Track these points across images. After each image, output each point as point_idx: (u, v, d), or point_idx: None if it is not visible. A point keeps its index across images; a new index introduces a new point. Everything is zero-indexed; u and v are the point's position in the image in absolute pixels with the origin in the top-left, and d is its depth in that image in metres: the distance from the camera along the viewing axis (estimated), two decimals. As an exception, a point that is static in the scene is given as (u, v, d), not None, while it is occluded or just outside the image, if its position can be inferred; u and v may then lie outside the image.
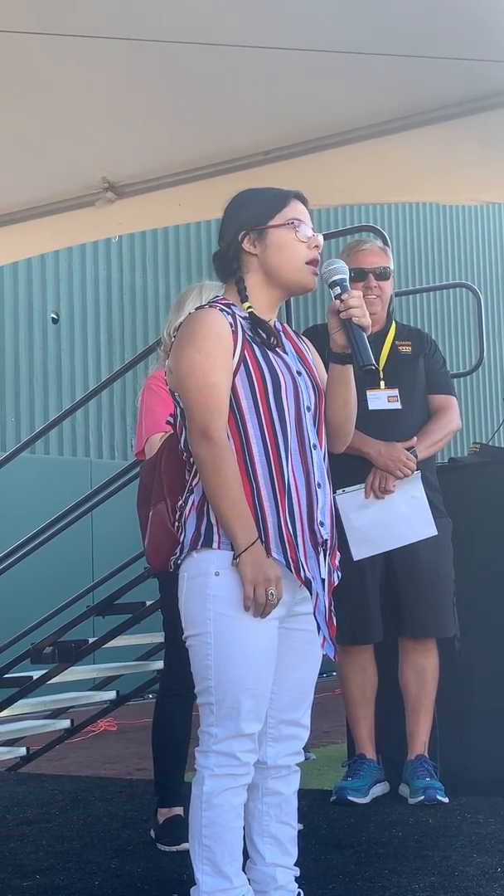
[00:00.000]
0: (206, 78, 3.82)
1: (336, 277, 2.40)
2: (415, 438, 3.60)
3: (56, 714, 5.87)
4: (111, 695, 5.78)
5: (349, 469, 3.36)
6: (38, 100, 4.01)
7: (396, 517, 3.54)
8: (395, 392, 3.63)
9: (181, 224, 10.07)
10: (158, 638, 5.59)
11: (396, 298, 4.65)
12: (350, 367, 2.40)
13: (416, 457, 3.56)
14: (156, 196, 4.54)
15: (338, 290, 2.39)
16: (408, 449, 3.56)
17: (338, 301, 2.38)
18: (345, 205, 11.05)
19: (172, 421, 2.46)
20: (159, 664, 5.74)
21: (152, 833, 3.25)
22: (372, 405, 3.55)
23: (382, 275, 3.68)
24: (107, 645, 5.25)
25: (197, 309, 2.43)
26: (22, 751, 5.50)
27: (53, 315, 10.43)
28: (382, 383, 3.62)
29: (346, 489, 3.48)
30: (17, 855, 3.20)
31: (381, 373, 3.60)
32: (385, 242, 4.22)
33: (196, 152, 4.35)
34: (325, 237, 2.43)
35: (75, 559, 8.77)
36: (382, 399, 3.60)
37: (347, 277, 2.41)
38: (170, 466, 2.52)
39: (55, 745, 5.83)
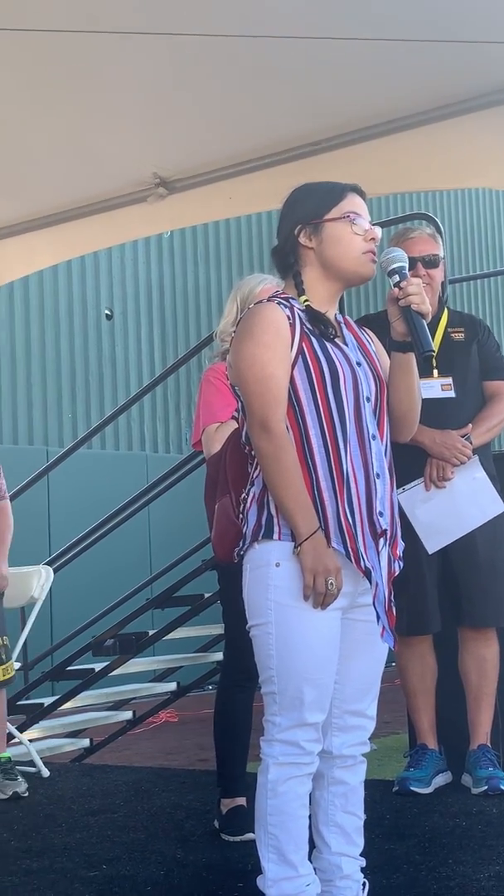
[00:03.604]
0: (254, 70, 3.82)
1: (395, 266, 2.40)
2: (469, 426, 3.57)
3: (118, 705, 5.93)
4: (172, 686, 5.83)
5: (407, 463, 3.35)
6: (88, 98, 4.05)
7: (462, 502, 3.51)
8: (449, 380, 3.60)
9: (232, 217, 10.09)
10: (217, 630, 5.63)
11: (450, 286, 4.62)
12: (412, 355, 2.40)
13: (470, 443, 3.53)
14: (206, 190, 4.56)
15: (396, 277, 2.39)
16: (462, 436, 3.53)
17: (396, 289, 2.38)
18: (396, 193, 10.98)
19: (237, 415, 2.48)
20: (218, 655, 5.77)
21: (216, 823, 3.27)
22: (425, 394, 3.48)
23: (432, 262, 3.65)
24: (166, 637, 5.29)
25: (256, 304, 2.44)
26: (85, 742, 5.57)
27: (107, 312, 10.51)
28: (436, 371, 3.59)
29: (406, 486, 3.46)
30: (84, 845, 3.25)
31: (434, 361, 3.57)
32: (437, 230, 4.19)
33: (246, 145, 4.36)
34: (377, 226, 2.42)
35: (133, 553, 8.85)
36: (436, 388, 3.57)
37: (406, 265, 2.41)
38: (234, 460, 2.54)
39: (118, 736, 5.90)
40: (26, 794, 3.96)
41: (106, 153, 4.44)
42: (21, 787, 3.99)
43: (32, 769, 4.33)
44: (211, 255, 11.61)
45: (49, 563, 5.39)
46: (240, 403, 2.42)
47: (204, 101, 4.07)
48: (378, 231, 2.41)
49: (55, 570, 4.96)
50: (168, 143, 4.40)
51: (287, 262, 2.44)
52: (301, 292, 2.40)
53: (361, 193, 2.44)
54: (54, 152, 4.43)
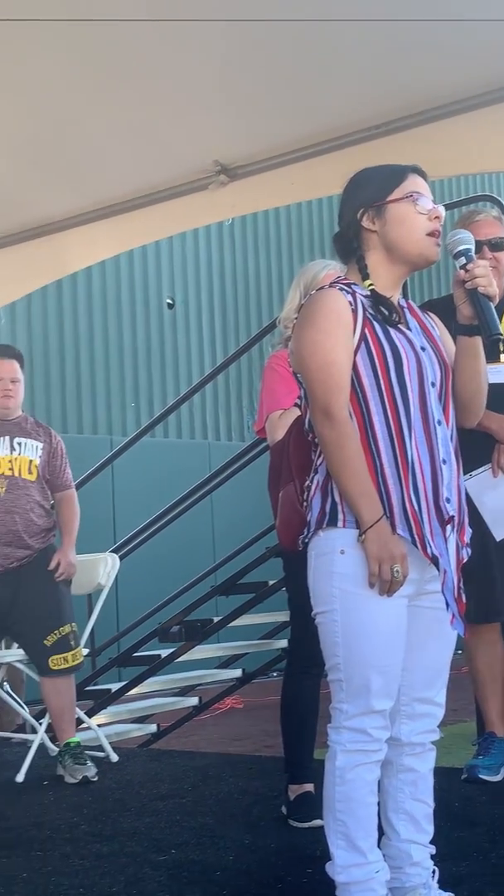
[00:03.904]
0: (315, 55, 3.79)
1: (461, 248, 2.36)
2: (538, 411, 3.51)
3: (184, 692, 5.98)
4: (237, 673, 5.85)
5: (474, 449, 3.31)
6: (149, 87, 4.06)
7: None
8: (517, 365, 3.54)
9: (293, 203, 10.05)
10: (282, 617, 5.64)
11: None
12: (478, 339, 2.37)
13: (539, 429, 3.47)
14: (268, 176, 4.54)
15: (463, 260, 2.35)
16: (531, 421, 3.48)
17: (463, 271, 2.34)
18: (461, 175, 10.84)
19: (300, 402, 2.47)
20: (283, 643, 5.79)
21: (283, 809, 3.28)
22: (492, 378, 3.42)
23: (498, 245, 3.60)
24: (231, 624, 5.32)
25: (317, 290, 2.43)
26: (152, 727, 5.63)
27: (169, 301, 10.56)
28: (503, 356, 3.54)
29: (473, 473, 3.42)
30: (153, 830, 3.28)
31: (502, 345, 3.51)
32: (503, 211, 4.12)
33: (307, 130, 4.34)
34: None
35: (197, 540, 8.89)
36: (503, 372, 3.52)
37: (473, 248, 2.37)
38: (297, 448, 2.53)
39: (184, 722, 5.95)
40: (96, 779, 4.01)
41: (167, 142, 4.45)
42: (90, 771, 4.04)
43: (101, 754, 4.38)
44: (272, 242, 11.59)
45: (114, 551, 5.45)
46: (302, 391, 2.41)
47: (265, 87, 4.05)
48: (442, 210, 2.37)
49: (120, 558, 5.00)
50: (229, 130, 4.39)
51: (350, 246, 2.42)
52: (365, 277, 2.38)
53: (423, 174, 2.41)
54: (116, 142, 4.45)
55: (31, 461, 4.27)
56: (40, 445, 4.31)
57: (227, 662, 6.16)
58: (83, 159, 4.59)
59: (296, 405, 2.83)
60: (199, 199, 4.74)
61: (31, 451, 4.28)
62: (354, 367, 2.29)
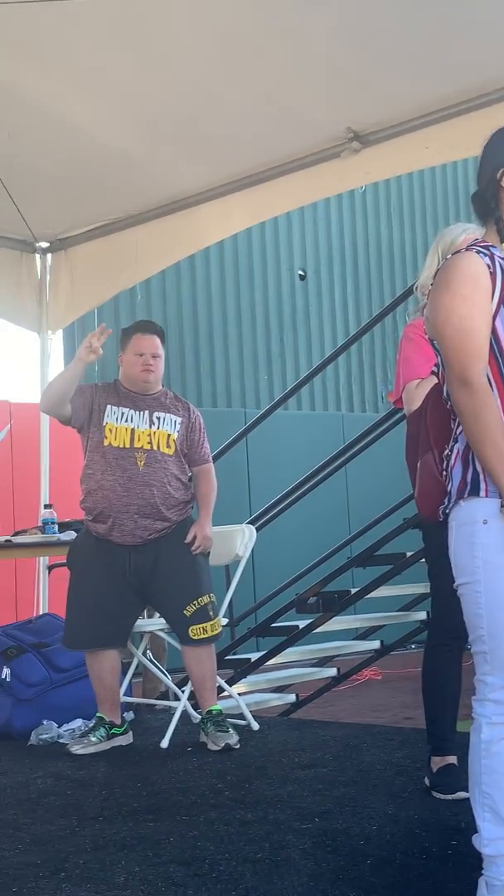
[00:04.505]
0: (448, 15, 3.70)
1: None
2: None
3: (322, 662, 6.00)
4: (375, 644, 5.84)
5: None
6: (281, 57, 4.04)
7: None
8: None
9: (427, 168, 9.86)
10: (420, 589, 5.59)
11: None
12: None
13: None
14: (402, 141, 4.47)
15: None
16: None
17: None
18: None
19: (436, 370, 2.42)
20: (422, 615, 5.74)
21: (426, 781, 3.26)
22: None
23: None
24: (368, 595, 5.30)
25: (453, 254, 2.37)
26: (291, 697, 5.67)
27: (301, 272, 10.53)
28: None
29: None
30: (295, 798, 3.31)
31: None
32: None
33: (441, 92, 4.24)
34: None
35: (332, 512, 8.89)
36: None
37: None
38: (435, 416, 2.49)
39: (323, 692, 5.97)
40: (238, 747, 4.07)
41: (300, 111, 4.42)
42: (233, 738, 4.10)
43: (242, 722, 4.44)
44: (405, 208, 11.41)
45: (250, 523, 5.49)
46: (439, 358, 2.36)
47: (397, 50, 3.98)
48: None
49: (256, 530, 5.04)
50: (361, 96, 4.34)
51: (488, 207, 2.35)
52: (503, 238, 2.31)
53: None
54: (249, 113, 4.45)
55: (169, 435, 4.33)
56: (179, 420, 4.37)
57: (364, 634, 6.15)
58: (217, 132, 4.61)
59: (433, 373, 2.78)
60: (332, 168, 4.70)
61: (170, 425, 4.34)
62: (494, 333, 2.24)
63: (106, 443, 4.27)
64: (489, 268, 2.26)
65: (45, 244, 5.78)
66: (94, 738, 4.24)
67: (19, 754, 4.26)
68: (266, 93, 4.30)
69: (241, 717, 4.47)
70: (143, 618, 4.61)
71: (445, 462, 2.38)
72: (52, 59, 4.09)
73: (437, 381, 2.50)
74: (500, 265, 2.27)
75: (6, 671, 4.62)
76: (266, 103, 4.38)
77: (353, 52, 4.01)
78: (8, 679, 4.61)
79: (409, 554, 5.07)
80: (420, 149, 4.44)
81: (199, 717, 4.31)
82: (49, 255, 5.82)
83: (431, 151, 4.42)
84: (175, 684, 4.77)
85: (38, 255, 5.80)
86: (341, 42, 3.95)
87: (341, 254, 10.92)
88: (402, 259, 11.23)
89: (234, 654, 5.67)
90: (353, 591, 5.34)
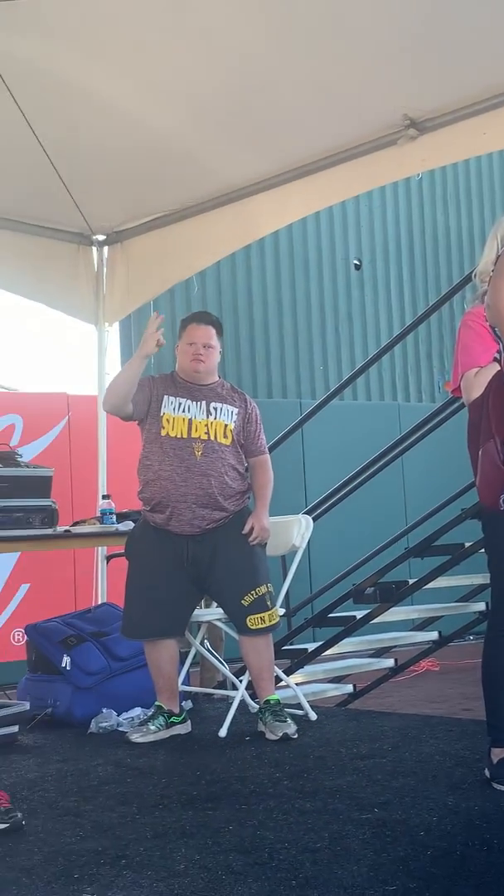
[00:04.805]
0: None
1: None
2: None
3: (379, 653, 5.98)
4: (433, 635, 5.80)
5: None
6: (336, 44, 4.02)
7: None
8: None
9: (484, 154, 9.75)
10: (478, 579, 5.54)
11: None
12: None
13: None
14: (459, 127, 4.42)
15: None
16: None
17: None
18: None
19: (499, 357, 2.40)
20: (480, 605, 5.69)
21: (486, 772, 3.23)
22: None
23: None
24: (426, 586, 5.27)
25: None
26: (349, 688, 5.66)
27: (356, 261, 10.48)
28: None
29: None
30: (354, 788, 3.30)
31: None
32: None
33: (499, 78, 4.20)
34: None
35: (388, 502, 8.85)
36: None
37: None
38: (497, 404, 2.47)
39: (380, 683, 5.95)
40: (296, 736, 4.07)
41: (356, 99, 4.39)
42: (291, 728, 4.10)
43: (300, 712, 4.44)
44: (462, 195, 11.29)
45: (306, 514, 5.47)
46: (500, 345, 2.33)
47: (453, 36, 3.93)
48: None
49: (313, 520, 5.02)
50: (418, 83, 4.29)
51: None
52: None
53: None
54: (304, 102, 4.43)
55: (226, 426, 4.34)
56: (235, 411, 4.37)
57: (422, 625, 6.11)
58: (272, 122, 4.60)
59: (495, 359, 2.75)
60: (388, 156, 4.67)
61: (227, 415, 4.35)
62: None
63: (163, 433, 4.29)
64: (550, 253, 2.23)
65: (101, 237, 5.81)
66: (153, 727, 4.27)
67: (79, 742, 4.31)
68: (321, 81, 4.28)
69: (299, 706, 4.48)
70: (201, 607, 4.62)
71: (507, 450, 2.36)
72: (109, 52, 4.12)
73: (499, 367, 2.48)
74: None
75: (66, 659, 4.68)
76: (321, 92, 4.36)
77: (409, 38, 3.97)
78: (68, 667, 4.66)
79: (467, 544, 5.03)
80: (478, 135, 4.38)
81: (257, 706, 4.32)
82: (106, 248, 5.85)
83: (489, 137, 4.36)
84: (232, 674, 4.78)
85: (94, 248, 5.84)
86: (397, 28, 3.91)
87: (397, 242, 10.85)
88: (458, 246, 11.13)
89: (291, 644, 5.67)
90: (411, 581, 5.31)
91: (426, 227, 11.05)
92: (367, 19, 3.83)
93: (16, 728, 4.34)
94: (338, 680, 5.80)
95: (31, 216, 5.51)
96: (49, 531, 4.68)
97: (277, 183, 5.08)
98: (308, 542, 4.69)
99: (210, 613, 4.57)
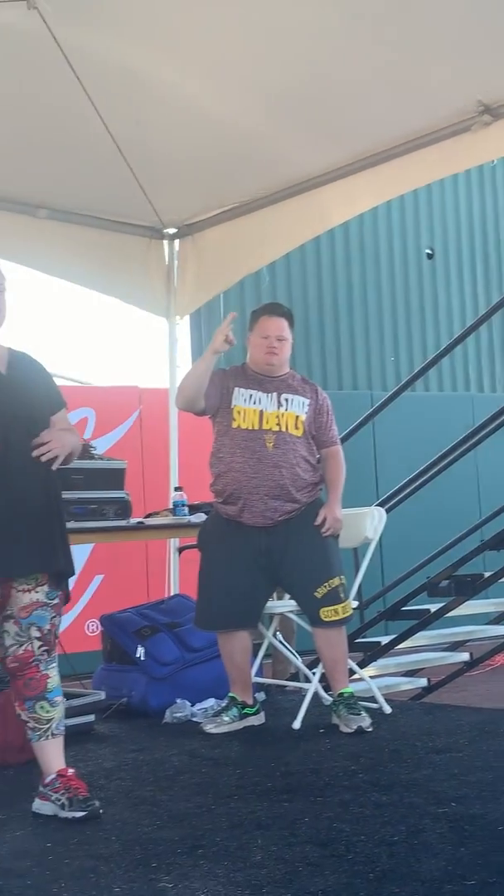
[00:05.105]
0: None
1: None
2: None
3: (454, 647, 5.91)
4: (509, 629, 5.72)
5: None
6: (406, 31, 3.97)
7: None
8: None
9: None
10: None
11: None
12: None
13: None
14: (536, 111, 4.34)
15: None
16: None
17: None
18: None
19: None
20: None
21: None
22: None
23: None
24: (501, 579, 5.19)
25: None
26: (423, 681, 5.61)
27: (428, 251, 10.37)
28: None
29: None
30: (430, 782, 3.27)
31: None
32: None
33: None
34: None
35: (461, 494, 8.76)
36: None
37: None
38: None
39: (455, 677, 5.89)
40: (370, 729, 4.05)
41: (427, 86, 4.33)
42: (365, 721, 4.08)
43: (374, 705, 4.42)
44: (537, 182, 11.11)
45: (378, 506, 5.43)
46: None
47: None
48: None
49: (385, 512, 4.98)
50: (492, 68, 4.22)
51: None
52: None
53: None
54: (375, 90, 4.39)
55: (297, 417, 4.32)
56: (307, 402, 4.36)
57: (498, 618, 6.03)
58: (342, 111, 4.56)
59: None
60: (462, 143, 4.59)
61: (298, 406, 4.33)
62: None
63: (234, 425, 4.29)
64: None
65: (172, 230, 5.83)
66: (226, 718, 4.28)
67: (154, 732, 4.34)
68: (391, 68, 4.22)
69: (373, 700, 4.45)
70: (273, 599, 4.62)
71: None
72: (177, 43, 4.12)
73: None
74: None
75: (141, 650, 4.71)
76: (391, 79, 4.30)
77: (481, 22, 3.90)
78: (143, 658, 4.70)
79: (544, 536, 4.95)
80: None
81: (331, 699, 4.31)
82: (177, 241, 5.87)
83: None
84: (305, 666, 4.77)
85: (165, 242, 5.86)
86: (469, 12, 3.85)
87: (470, 230, 10.71)
88: (533, 235, 10.95)
89: (364, 637, 5.64)
90: (487, 574, 5.24)
91: (500, 215, 10.89)
92: (438, 3, 3.77)
93: (92, 717, 4.39)
94: (411, 674, 5.76)
95: (103, 211, 5.55)
96: (123, 523, 4.72)
97: (348, 172, 5.04)
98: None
99: (283, 605, 4.57)
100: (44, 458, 3.10)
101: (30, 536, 3.10)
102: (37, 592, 3.16)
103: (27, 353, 3.32)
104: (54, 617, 3.21)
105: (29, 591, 3.15)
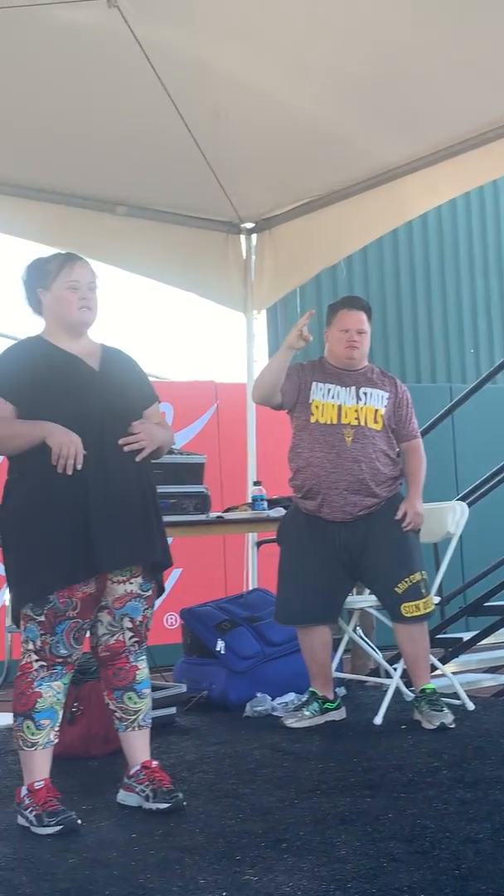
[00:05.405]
0: None
1: None
2: None
3: (536, 644, 5.83)
4: None
5: None
6: (484, 17, 3.91)
7: None
8: None
9: None
10: None
11: None
12: None
13: None
14: None
15: None
16: None
17: None
18: None
19: None
20: None
21: None
22: None
23: None
24: None
25: None
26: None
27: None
28: None
29: None
30: (515, 779, 3.23)
31: None
32: None
33: None
34: None
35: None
36: None
37: None
38: None
39: (537, 674, 5.80)
40: (453, 726, 4.01)
41: (508, 73, 4.26)
42: (447, 718, 4.04)
43: (456, 701, 4.37)
44: None
45: (460, 500, 5.37)
46: None
47: None
48: None
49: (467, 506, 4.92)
50: None
51: None
52: None
53: None
54: (454, 80, 4.33)
55: (376, 410, 4.29)
56: (386, 395, 4.32)
57: None
58: (421, 101, 4.51)
59: None
60: (544, 130, 4.51)
61: (377, 400, 4.30)
62: None
63: (313, 420, 4.27)
64: None
65: (249, 224, 5.83)
66: (307, 713, 4.28)
67: (235, 725, 4.36)
68: (470, 57, 4.16)
69: (455, 696, 4.40)
70: (353, 594, 4.60)
71: None
72: (254, 36, 4.11)
73: None
74: None
75: (221, 644, 4.73)
76: (471, 68, 4.24)
77: None
78: (223, 651, 4.72)
79: None
80: None
81: (412, 695, 4.27)
82: (254, 236, 5.87)
83: None
84: (385, 661, 4.74)
85: (243, 236, 5.87)
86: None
87: (550, 220, 10.52)
88: None
89: (444, 633, 5.58)
90: None
91: None
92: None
93: (173, 710, 4.42)
94: (493, 670, 5.69)
95: (181, 206, 5.58)
96: (202, 517, 4.74)
97: (427, 163, 4.98)
98: (461, 530, 4.60)
99: (363, 600, 4.54)
100: (126, 448, 3.13)
101: (129, 530, 3.12)
102: (131, 584, 3.19)
103: (120, 349, 3.34)
104: (147, 609, 3.24)
105: (123, 582, 3.18)
